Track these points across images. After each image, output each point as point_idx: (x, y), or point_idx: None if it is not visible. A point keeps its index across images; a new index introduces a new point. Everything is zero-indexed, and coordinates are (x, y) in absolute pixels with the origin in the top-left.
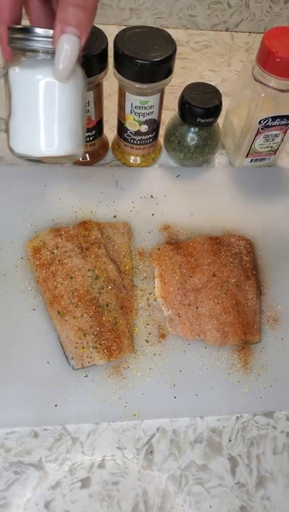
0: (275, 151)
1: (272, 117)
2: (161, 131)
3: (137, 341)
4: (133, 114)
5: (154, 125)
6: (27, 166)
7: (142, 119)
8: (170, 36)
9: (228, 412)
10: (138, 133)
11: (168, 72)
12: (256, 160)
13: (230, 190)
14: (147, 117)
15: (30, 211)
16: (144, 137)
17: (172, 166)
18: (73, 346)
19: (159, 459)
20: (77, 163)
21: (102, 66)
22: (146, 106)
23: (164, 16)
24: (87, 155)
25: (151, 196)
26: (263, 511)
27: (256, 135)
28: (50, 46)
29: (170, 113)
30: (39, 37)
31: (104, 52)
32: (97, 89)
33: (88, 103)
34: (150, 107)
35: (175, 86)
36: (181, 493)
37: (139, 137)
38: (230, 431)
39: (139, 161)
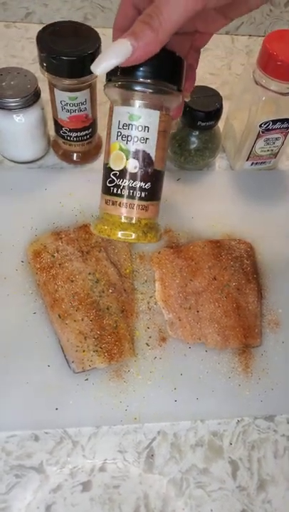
0: (275, 155)
1: (272, 121)
2: None
3: (138, 345)
4: None
5: None
6: (27, 169)
7: None
8: None
9: (229, 415)
10: None
11: None
12: (257, 163)
13: (231, 193)
14: None
15: (31, 215)
16: None
17: (172, 169)
18: (74, 350)
19: (160, 462)
20: (74, 162)
21: None
22: None
23: None
24: (81, 154)
25: None
26: None
27: (257, 138)
28: None
29: None
30: None
31: (97, 51)
32: (92, 88)
33: (85, 101)
34: None
35: None
36: (182, 497)
37: None
38: (231, 434)
39: None
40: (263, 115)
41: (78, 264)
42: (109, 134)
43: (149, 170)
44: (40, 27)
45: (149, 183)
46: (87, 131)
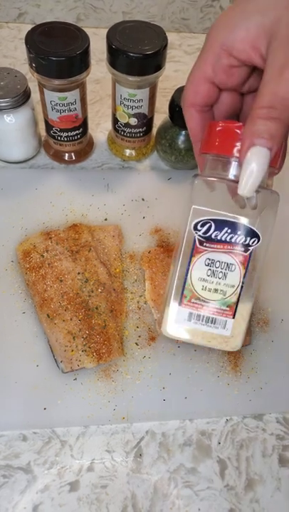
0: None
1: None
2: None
3: (127, 344)
4: (122, 105)
5: (144, 120)
6: (18, 169)
7: (130, 111)
8: (164, 33)
9: (218, 414)
10: (127, 125)
11: (156, 67)
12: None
13: None
14: (136, 111)
15: (21, 214)
16: (133, 130)
17: (164, 168)
18: (62, 349)
19: (148, 462)
20: (66, 161)
21: (85, 65)
22: (134, 99)
23: (156, 19)
24: (72, 154)
25: (143, 199)
26: None
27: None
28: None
29: (162, 116)
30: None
31: (86, 51)
32: (81, 88)
33: (75, 101)
34: (139, 101)
35: (167, 89)
36: (170, 496)
37: (128, 130)
38: (220, 434)
39: (134, 155)
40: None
41: (68, 264)
42: (114, 98)
43: (144, 121)
44: None
45: (144, 127)
46: (77, 131)
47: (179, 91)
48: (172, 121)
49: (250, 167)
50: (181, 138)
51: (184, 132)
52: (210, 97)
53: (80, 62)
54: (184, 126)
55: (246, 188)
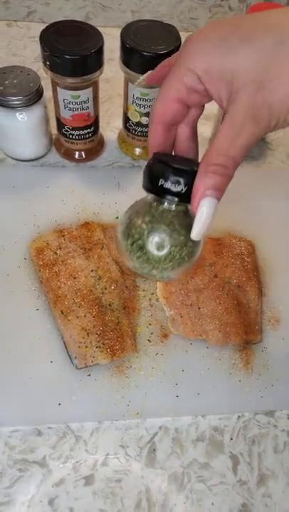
0: None
1: None
2: None
3: (140, 341)
4: (134, 104)
5: None
6: (30, 167)
7: (142, 110)
8: (177, 32)
9: (230, 411)
10: (139, 124)
11: None
12: None
13: (232, 191)
14: (148, 110)
15: (33, 212)
16: (145, 129)
17: None
18: (76, 346)
19: (162, 457)
20: (76, 160)
21: (98, 64)
22: (146, 98)
23: (165, 18)
24: (82, 153)
25: None
26: (264, 509)
27: None
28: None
29: None
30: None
31: (100, 50)
32: (94, 87)
33: (88, 100)
34: (151, 100)
35: None
36: (184, 491)
37: (140, 128)
38: (232, 429)
39: (144, 153)
40: None
41: (81, 261)
42: (126, 97)
43: None
44: (42, 26)
45: None
46: (89, 130)
47: None
48: None
49: (202, 214)
50: None
51: None
52: (179, 116)
53: (93, 61)
54: None
55: (198, 233)
